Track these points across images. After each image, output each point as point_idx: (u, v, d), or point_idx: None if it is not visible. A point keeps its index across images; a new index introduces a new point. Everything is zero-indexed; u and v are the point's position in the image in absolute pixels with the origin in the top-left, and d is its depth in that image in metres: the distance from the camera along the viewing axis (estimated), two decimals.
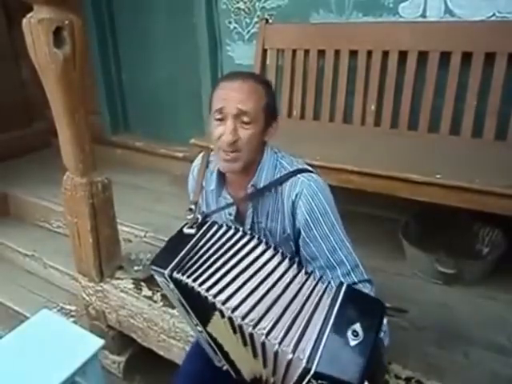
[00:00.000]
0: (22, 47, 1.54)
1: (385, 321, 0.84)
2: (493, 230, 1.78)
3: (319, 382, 0.75)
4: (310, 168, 1.12)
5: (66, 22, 1.45)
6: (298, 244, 1.11)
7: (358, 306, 0.82)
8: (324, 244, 1.05)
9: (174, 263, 0.96)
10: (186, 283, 0.93)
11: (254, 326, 0.83)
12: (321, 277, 0.92)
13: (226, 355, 1.04)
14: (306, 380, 0.76)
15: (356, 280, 1.05)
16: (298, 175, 1.07)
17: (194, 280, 0.92)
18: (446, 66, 1.83)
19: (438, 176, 1.47)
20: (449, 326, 1.47)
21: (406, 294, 1.59)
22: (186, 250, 0.99)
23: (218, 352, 1.06)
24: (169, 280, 0.97)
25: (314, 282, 0.90)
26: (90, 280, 1.92)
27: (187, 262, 0.96)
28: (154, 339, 1.79)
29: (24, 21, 1.45)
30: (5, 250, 2.63)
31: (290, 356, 0.78)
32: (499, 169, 1.52)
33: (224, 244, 0.98)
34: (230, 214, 1.16)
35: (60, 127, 1.64)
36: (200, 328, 1.04)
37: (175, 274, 0.95)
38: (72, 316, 2.17)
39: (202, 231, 1.02)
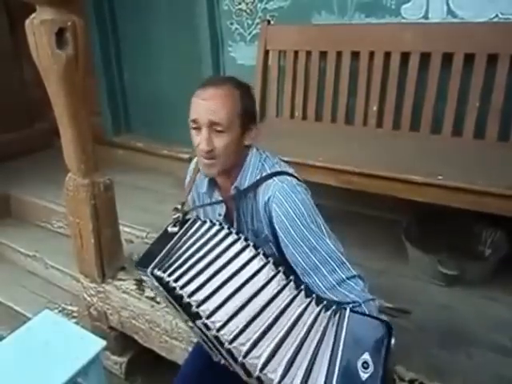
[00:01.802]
0: (25, 48, 1.55)
1: (393, 341, 0.78)
2: (495, 232, 1.78)
3: None
4: (288, 171, 1.11)
5: (69, 23, 1.46)
6: (280, 247, 1.09)
7: (365, 333, 0.76)
8: (304, 244, 1.01)
9: (156, 261, 0.97)
10: (168, 281, 0.92)
11: (246, 355, 0.78)
12: (324, 304, 0.87)
13: (220, 351, 1.02)
14: None
15: (344, 277, 0.99)
16: (274, 177, 1.07)
17: (176, 280, 0.91)
18: (448, 67, 1.82)
19: (440, 177, 1.47)
20: (451, 328, 1.47)
21: (409, 296, 1.58)
22: (168, 247, 0.99)
23: (213, 347, 1.03)
24: (151, 277, 0.97)
25: (317, 310, 0.84)
26: (92, 281, 1.92)
27: (169, 260, 0.96)
28: (155, 340, 1.79)
29: (27, 22, 1.46)
30: (6, 250, 2.63)
31: None
32: (501, 170, 1.52)
33: (208, 241, 0.97)
34: (220, 215, 1.18)
35: (62, 128, 1.64)
36: (191, 324, 1.03)
37: (156, 271, 0.95)
38: (74, 317, 2.17)
39: (184, 228, 1.03)
